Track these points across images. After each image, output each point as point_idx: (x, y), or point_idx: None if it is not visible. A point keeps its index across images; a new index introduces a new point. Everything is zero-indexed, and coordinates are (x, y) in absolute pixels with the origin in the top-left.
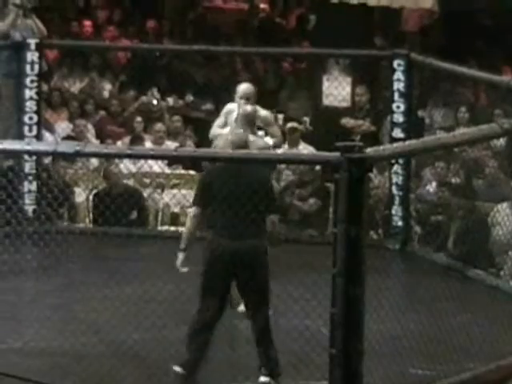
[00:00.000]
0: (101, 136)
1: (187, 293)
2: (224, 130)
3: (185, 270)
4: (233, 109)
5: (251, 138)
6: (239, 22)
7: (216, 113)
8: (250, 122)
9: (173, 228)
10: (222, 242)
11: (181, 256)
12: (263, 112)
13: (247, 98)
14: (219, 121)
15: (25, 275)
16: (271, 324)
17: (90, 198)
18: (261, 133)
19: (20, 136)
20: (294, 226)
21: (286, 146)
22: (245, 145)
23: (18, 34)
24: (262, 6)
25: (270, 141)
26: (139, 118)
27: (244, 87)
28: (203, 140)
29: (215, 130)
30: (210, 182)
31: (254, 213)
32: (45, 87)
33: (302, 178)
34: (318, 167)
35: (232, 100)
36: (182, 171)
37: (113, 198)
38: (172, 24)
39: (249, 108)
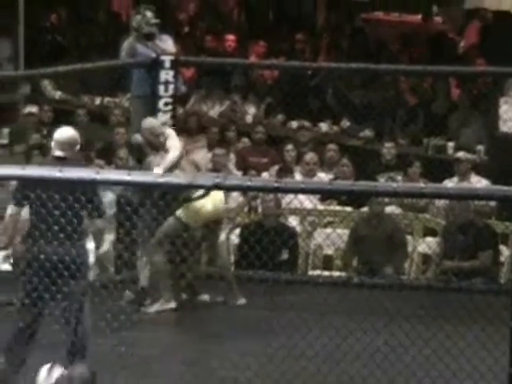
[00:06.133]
0: (243, 167)
1: (343, 348)
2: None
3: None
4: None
5: None
6: (404, 37)
7: (376, 140)
8: None
9: (326, 273)
10: None
11: None
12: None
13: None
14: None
15: (157, 326)
16: None
17: (232, 237)
18: None
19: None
20: (463, 274)
21: (455, 179)
22: None
23: (148, 52)
24: (437, 18)
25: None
26: (290, 146)
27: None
28: (361, 171)
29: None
30: None
31: None
32: (180, 111)
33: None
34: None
35: (393, 125)
36: (337, 207)
37: (262, 233)
38: (325, 39)
39: None
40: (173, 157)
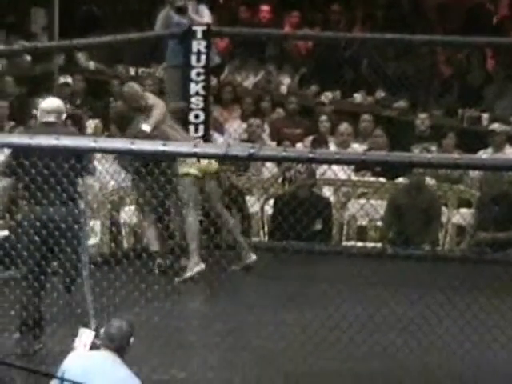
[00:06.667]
0: (277, 137)
1: (376, 319)
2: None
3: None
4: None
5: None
6: (442, 7)
7: (410, 111)
8: None
9: (360, 243)
10: None
11: None
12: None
13: None
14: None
15: (192, 297)
16: None
17: (266, 207)
18: None
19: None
20: (498, 246)
21: (489, 150)
22: None
23: (184, 22)
24: None
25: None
26: (325, 117)
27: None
28: (395, 142)
29: None
30: None
31: None
32: (214, 81)
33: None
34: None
35: (428, 97)
36: (371, 178)
37: (296, 204)
38: (361, 10)
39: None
40: (158, 113)
